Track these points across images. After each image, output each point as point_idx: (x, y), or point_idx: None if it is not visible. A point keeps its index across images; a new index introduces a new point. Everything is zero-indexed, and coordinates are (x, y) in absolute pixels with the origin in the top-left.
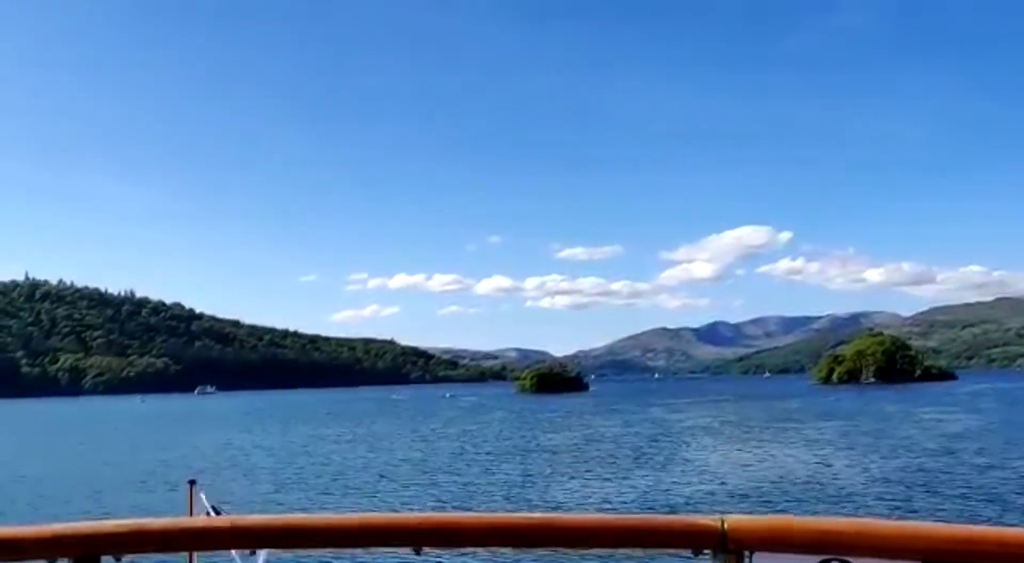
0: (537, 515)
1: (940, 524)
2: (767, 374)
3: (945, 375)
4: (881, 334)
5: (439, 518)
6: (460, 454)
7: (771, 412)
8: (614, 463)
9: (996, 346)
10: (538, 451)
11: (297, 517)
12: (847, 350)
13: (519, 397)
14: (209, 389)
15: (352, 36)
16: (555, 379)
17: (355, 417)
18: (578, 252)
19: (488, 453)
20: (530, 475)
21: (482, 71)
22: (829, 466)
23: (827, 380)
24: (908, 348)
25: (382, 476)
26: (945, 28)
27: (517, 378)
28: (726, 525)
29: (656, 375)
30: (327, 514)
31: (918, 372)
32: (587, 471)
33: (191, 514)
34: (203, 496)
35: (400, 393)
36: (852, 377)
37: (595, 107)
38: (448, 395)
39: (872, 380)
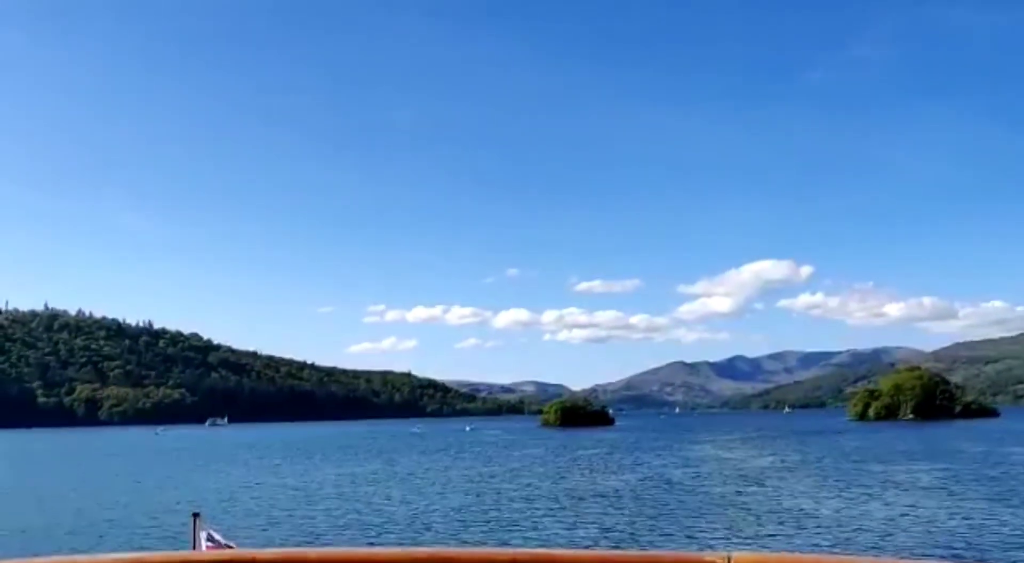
0: (538, 550)
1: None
2: (787, 410)
3: (986, 411)
4: (919, 368)
5: (441, 552)
6: (521, 498)
7: (840, 451)
8: (719, 513)
9: (1021, 382)
10: (610, 496)
11: (300, 550)
12: (882, 385)
13: (544, 431)
14: (220, 421)
15: (373, 72)
16: (580, 413)
17: (378, 452)
18: (596, 285)
19: (553, 498)
20: (613, 530)
21: (501, 107)
22: (997, 517)
23: (863, 416)
24: (947, 383)
25: (428, 526)
26: (963, 61)
27: (539, 411)
28: (732, 562)
29: (676, 410)
30: (332, 548)
31: (958, 409)
32: (690, 525)
33: (194, 547)
34: (209, 528)
35: (418, 426)
36: (890, 413)
37: (613, 142)
38: (468, 428)
39: (911, 416)
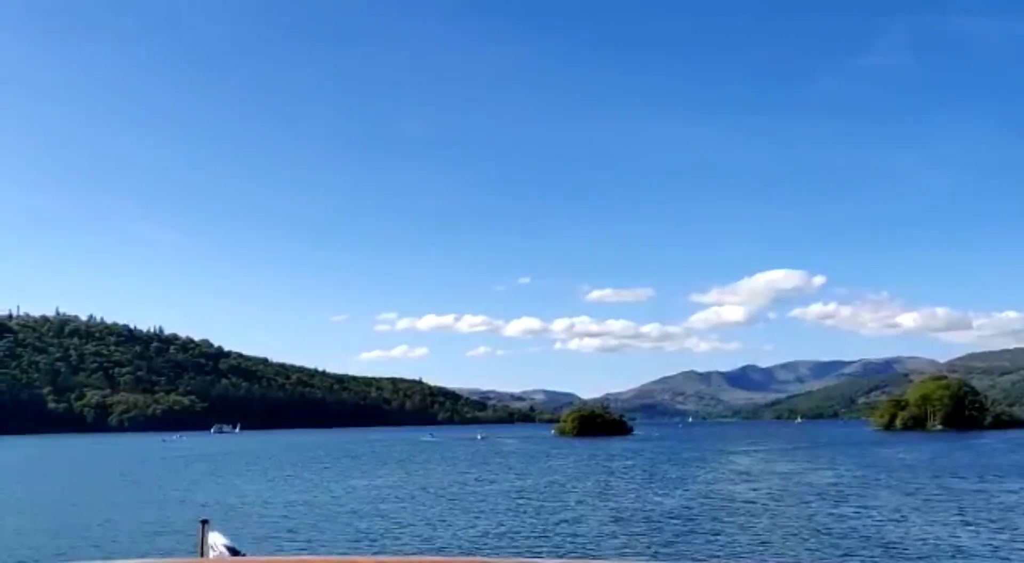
0: (552, 561)
1: None
2: (799, 420)
3: (1016, 422)
4: (944, 377)
5: (452, 562)
6: (576, 519)
7: (901, 464)
8: (832, 543)
9: None
10: (683, 517)
11: (307, 559)
12: (909, 395)
13: (562, 440)
14: (226, 428)
15: (384, 82)
16: (597, 422)
17: (397, 461)
18: (608, 294)
19: (616, 520)
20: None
21: (511, 115)
22: None
23: (889, 426)
24: (976, 393)
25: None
26: (975, 70)
27: (549, 419)
28: None
29: (689, 419)
30: (340, 557)
31: (988, 419)
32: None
33: (202, 555)
34: (218, 535)
35: (430, 434)
36: (917, 423)
37: (625, 150)
38: (480, 436)
39: (939, 427)
